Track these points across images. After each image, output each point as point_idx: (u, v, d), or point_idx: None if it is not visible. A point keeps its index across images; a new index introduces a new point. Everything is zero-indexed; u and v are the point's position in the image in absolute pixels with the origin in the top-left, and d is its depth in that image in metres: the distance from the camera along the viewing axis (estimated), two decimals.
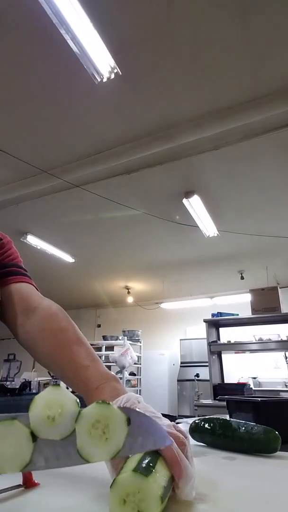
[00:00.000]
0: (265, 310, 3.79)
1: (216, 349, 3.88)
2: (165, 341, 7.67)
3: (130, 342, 6.11)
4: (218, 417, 0.75)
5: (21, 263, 0.84)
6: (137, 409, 0.40)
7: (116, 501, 0.30)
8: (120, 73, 2.40)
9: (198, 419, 0.77)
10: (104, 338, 6.48)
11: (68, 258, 5.65)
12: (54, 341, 0.63)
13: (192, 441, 0.75)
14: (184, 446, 0.38)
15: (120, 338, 6.28)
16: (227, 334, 4.20)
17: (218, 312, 4.13)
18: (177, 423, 1.18)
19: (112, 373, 0.56)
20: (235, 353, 5.39)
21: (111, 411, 0.33)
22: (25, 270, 0.82)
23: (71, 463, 0.32)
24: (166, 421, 0.41)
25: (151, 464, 0.33)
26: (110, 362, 5.86)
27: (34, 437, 0.33)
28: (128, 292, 7.51)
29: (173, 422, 0.42)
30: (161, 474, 0.33)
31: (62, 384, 0.56)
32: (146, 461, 0.33)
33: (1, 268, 0.79)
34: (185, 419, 1.34)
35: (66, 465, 0.33)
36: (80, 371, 0.55)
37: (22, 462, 0.32)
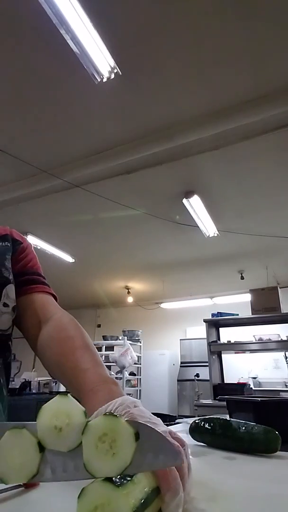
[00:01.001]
0: (265, 310, 3.79)
1: (216, 349, 3.88)
2: (165, 341, 7.67)
3: (130, 342, 6.11)
4: (218, 417, 0.74)
5: (40, 269, 0.84)
6: (131, 411, 0.38)
7: None
8: (120, 73, 2.40)
9: (198, 419, 0.77)
10: (104, 338, 6.48)
11: (68, 258, 5.65)
12: (60, 348, 0.63)
13: (192, 441, 0.75)
14: None
15: (120, 338, 6.28)
16: (227, 334, 4.20)
17: (218, 312, 4.13)
18: (177, 423, 1.18)
19: (113, 377, 0.55)
20: (235, 353, 5.39)
21: (118, 424, 0.31)
22: (44, 278, 0.82)
23: (77, 476, 0.31)
24: (163, 427, 0.39)
25: (126, 475, 0.30)
26: (110, 362, 5.86)
27: (41, 447, 0.32)
28: (128, 292, 7.51)
29: (169, 428, 0.40)
30: (140, 485, 0.30)
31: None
32: None
33: (22, 275, 0.79)
34: (185, 419, 1.34)
35: (72, 479, 0.32)
36: (79, 374, 0.54)
37: (29, 473, 0.32)
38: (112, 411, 0.39)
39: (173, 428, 0.99)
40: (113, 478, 0.29)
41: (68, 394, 0.33)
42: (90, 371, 0.54)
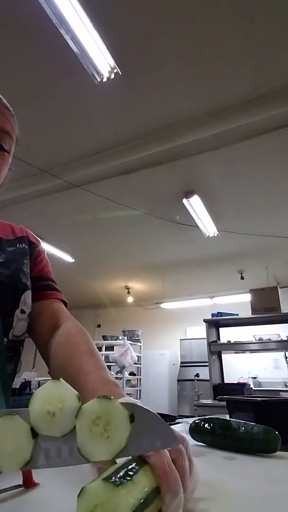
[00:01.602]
0: (265, 310, 3.79)
1: (216, 349, 3.88)
2: (165, 341, 7.67)
3: (130, 342, 6.11)
4: (218, 417, 0.74)
5: (52, 274, 0.84)
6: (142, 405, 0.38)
7: None
8: (120, 73, 2.40)
9: (198, 419, 0.77)
10: (104, 338, 6.48)
11: (68, 258, 5.66)
12: (67, 353, 0.64)
13: (192, 441, 0.75)
14: (180, 454, 0.34)
15: (120, 338, 6.28)
16: (227, 334, 4.20)
17: (218, 312, 4.13)
18: (177, 423, 1.18)
19: (115, 380, 0.54)
20: (235, 353, 5.40)
21: (112, 406, 0.31)
22: (56, 283, 0.82)
23: (72, 461, 0.31)
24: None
25: (129, 473, 0.29)
26: (110, 362, 5.86)
27: (34, 433, 0.32)
28: (128, 292, 7.51)
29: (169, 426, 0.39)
30: (140, 485, 0.29)
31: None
32: (126, 469, 0.29)
33: (38, 280, 0.79)
34: (185, 419, 1.34)
35: (67, 464, 0.31)
36: (82, 376, 0.55)
37: (23, 460, 0.31)
38: None
39: (173, 428, 0.99)
40: (113, 478, 0.28)
41: (61, 379, 0.33)
42: (93, 374, 0.54)
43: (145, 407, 0.32)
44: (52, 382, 0.33)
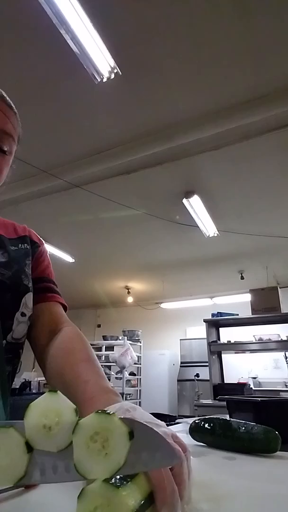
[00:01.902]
0: (265, 310, 3.79)
1: (216, 349, 3.88)
2: (165, 341, 7.67)
3: (130, 342, 6.11)
4: (218, 417, 0.75)
5: (53, 276, 0.83)
6: (129, 415, 0.37)
7: None
8: (120, 73, 2.40)
9: (198, 419, 0.77)
10: (104, 338, 6.48)
11: (68, 258, 5.66)
12: (64, 360, 0.62)
13: (192, 441, 0.75)
14: (180, 463, 0.33)
15: (120, 338, 6.28)
16: (227, 334, 4.20)
17: (218, 312, 4.13)
18: (177, 423, 1.18)
19: (113, 388, 0.53)
20: (235, 353, 5.40)
21: (111, 422, 0.29)
22: (56, 285, 0.81)
23: (68, 478, 0.30)
24: (165, 428, 0.37)
25: (127, 476, 0.29)
26: (110, 362, 5.86)
27: (29, 447, 0.30)
28: (128, 292, 7.51)
29: (172, 431, 0.38)
30: (139, 487, 0.29)
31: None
32: None
33: (39, 281, 0.77)
34: (185, 419, 1.34)
35: (63, 480, 0.30)
36: (80, 384, 0.53)
37: (17, 475, 0.30)
38: None
39: (173, 428, 0.99)
40: (113, 479, 0.28)
41: (58, 391, 0.32)
42: (91, 382, 0.53)
43: (145, 423, 0.30)
44: (48, 395, 0.31)
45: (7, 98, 0.68)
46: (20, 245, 0.78)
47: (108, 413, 0.30)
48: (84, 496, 0.27)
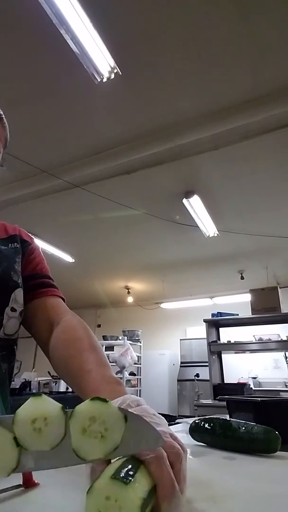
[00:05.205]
0: (265, 310, 3.79)
1: (216, 349, 3.88)
2: (165, 341, 7.67)
3: (130, 342, 6.11)
4: (218, 417, 0.74)
5: (48, 271, 0.83)
6: (131, 410, 0.37)
7: (93, 509, 0.28)
8: (120, 73, 2.40)
9: (198, 419, 0.77)
10: (104, 338, 6.48)
11: (68, 258, 5.65)
12: (67, 350, 0.63)
13: (192, 441, 0.75)
14: (178, 458, 0.34)
15: (120, 338, 6.28)
16: (227, 334, 4.20)
17: (218, 312, 4.13)
18: (177, 423, 1.18)
19: (117, 377, 0.54)
20: (235, 353, 5.40)
21: (107, 407, 0.31)
22: (52, 280, 0.81)
23: (63, 463, 0.31)
24: (165, 428, 0.38)
25: (130, 472, 0.30)
26: (110, 362, 5.84)
27: (18, 442, 0.31)
28: (128, 292, 7.50)
29: (171, 430, 0.38)
30: (142, 482, 0.30)
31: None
32: (126, 468, 0.31)
33: (33, 278, 0.78)
34: (185, 419, 1.34)
35: (57, 466, 0.31)
36: (83, 375, 0.54)
37: (9, 467, 0.31)
38: None
39: (173, 428, 0.99)
40: (120, 475, 0.30)
41: (42, 394, 0.33)
42: (94, 372, 0.54)
43: (134, 412, 0.33)
44: (33, 399, 0.32)
45: None
46: (10, 244, 0.79)
47: (103, 400, 0.32)
48: (93, 491, 0.29)
